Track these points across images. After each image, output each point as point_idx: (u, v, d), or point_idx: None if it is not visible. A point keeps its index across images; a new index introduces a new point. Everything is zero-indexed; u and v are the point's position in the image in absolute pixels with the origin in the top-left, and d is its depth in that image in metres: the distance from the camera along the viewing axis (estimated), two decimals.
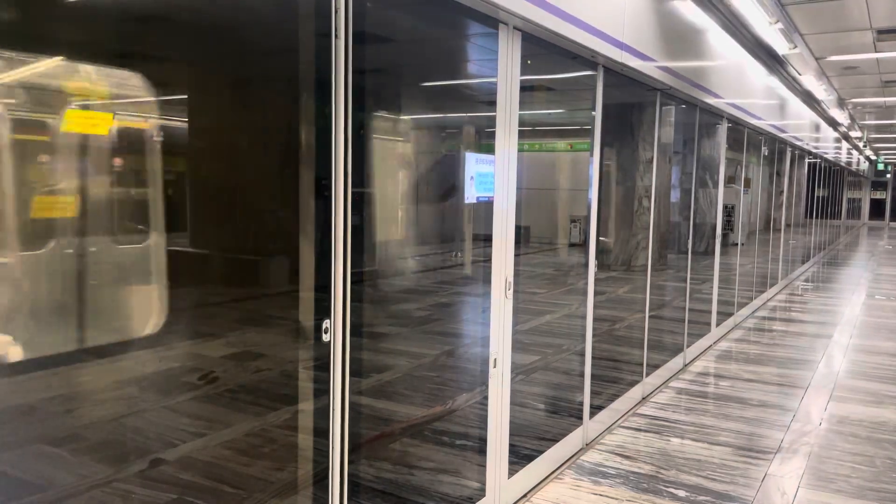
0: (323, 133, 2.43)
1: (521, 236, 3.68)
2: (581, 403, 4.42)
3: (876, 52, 8.70)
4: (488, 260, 3.39)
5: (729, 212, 9.45)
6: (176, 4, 2.32)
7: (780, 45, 7.54)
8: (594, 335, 4.50)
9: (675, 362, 6.16)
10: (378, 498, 3.12)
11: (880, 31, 7.66)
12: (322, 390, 2.53)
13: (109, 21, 2.23)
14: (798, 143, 11.85)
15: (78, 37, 2.16)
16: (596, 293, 4.47)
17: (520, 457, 3.70)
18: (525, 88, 3.46)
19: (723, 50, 6.52)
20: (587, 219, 4.48)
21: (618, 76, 4.49)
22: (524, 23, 3.21)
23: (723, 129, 7.38)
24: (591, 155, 4.42)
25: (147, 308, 2.41)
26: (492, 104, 3.33)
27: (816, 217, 16.96)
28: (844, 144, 19.69)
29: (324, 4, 2.37)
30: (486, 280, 3.40)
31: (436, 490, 3.43)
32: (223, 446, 2.87)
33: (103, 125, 2.42)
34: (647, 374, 5.46)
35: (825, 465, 4.19)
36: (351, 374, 2.56)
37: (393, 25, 3.06)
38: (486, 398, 3.41)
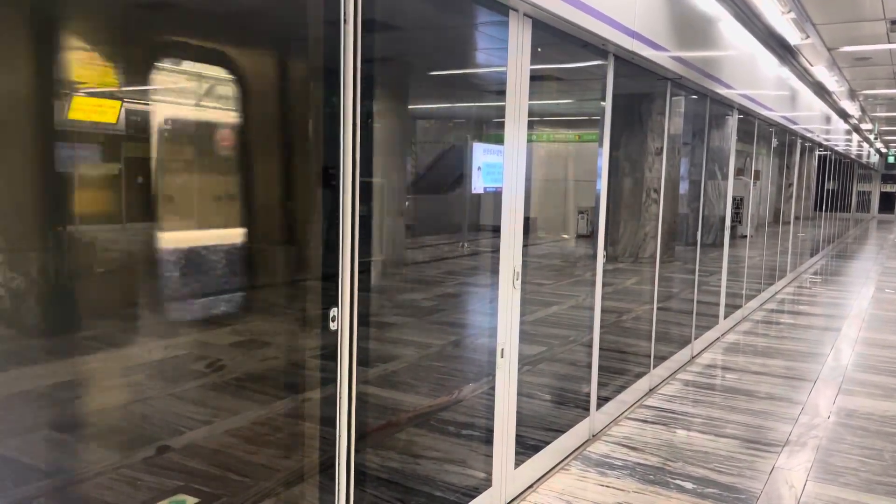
0: (331, 121, 2.41)
1: (529, 227, 3.66)
2: (588, 394, 4.40)
3: (889, 42, 8.59)
4: (496, 250, 3.36)
5: (738, 204, 9.39)
6: None
7: (793, 35, 7.46)
8: (601, 326, 4.48)
9: (683, 354, 6.13)
10: (384, 487, 3.12)
11: (893, 22, 7.57)
12: (329, 379, 2.52)
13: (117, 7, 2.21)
14: (808, 134, 11.76)
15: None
16: (603, 284, 4.45)
17: (526, 447, 3.69)
18: (535, 78, 3.42)
19: (734, 40, 6.45)
20: (595, 210, 4.44)
21: (628, 65, 4.45)
22: (535, 9, 3.18)
23: (733, 120, 7.32)
24: (601, 146, 4.38)
25: None
26: (501, 94, 3.30)
27: (825, 210, 16.85)
28: (855, 137, 19.53)
29: None
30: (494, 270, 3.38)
31: (442, 480, 3.42)
32: (229, 434, 2.87)
33: (111, 112, 2.40)
34: (655, 366, 5.44)
35: (833, 458, 4.17)
36: (358, 364, 2.55)
37: (403, 12, 3.03)
38: (492, 388, 3.40)
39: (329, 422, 2.51)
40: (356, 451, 2.57)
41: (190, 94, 2.53)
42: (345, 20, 2.35)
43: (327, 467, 2.53)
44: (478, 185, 3.61)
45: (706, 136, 6.85)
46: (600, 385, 4.50)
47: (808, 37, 7.53)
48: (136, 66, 2.36)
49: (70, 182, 2.15)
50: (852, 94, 13.10)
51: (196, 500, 2.47)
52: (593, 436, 4.38)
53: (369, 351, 2.85)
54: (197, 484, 2.56)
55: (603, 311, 4.47)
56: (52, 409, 2.26)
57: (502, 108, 3.31)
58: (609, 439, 4.35)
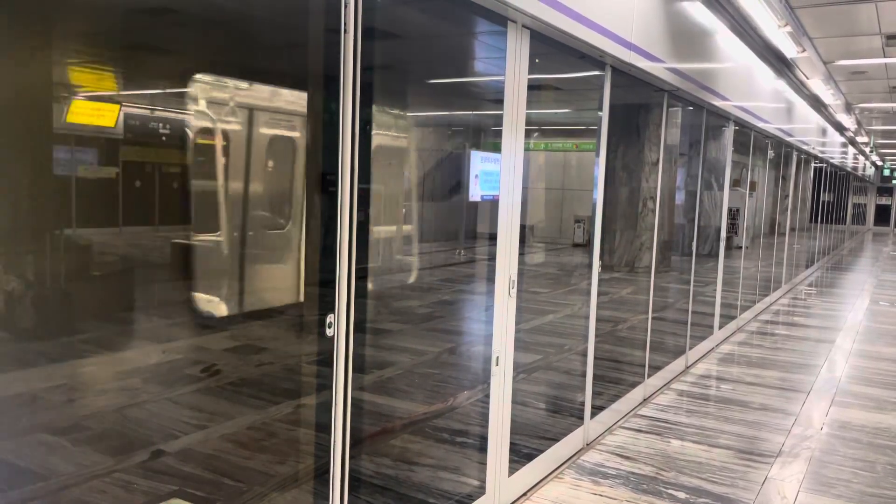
0: (329, 128, 2.43)
1: (525, 235, 3.67)
2: (582, 403, 4.42)
3: (885, 57, 8.66)
4: (492, 258, 3.38)
5: (734, 215, 9.44)
6: None
7: (789, 49, 7.52)
8: (596, 335, 4.49)
9: (677, 364, 6.15)
10: (378, 493, 3.12)
11: (889, 37, 7.63)
12: (324, 385, 2.53)
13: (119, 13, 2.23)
14: (804, 147, 11.82)
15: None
16: (599, 294, 4.47)
17: (520, 455, 3.70)
18: (533, 87, 3.45)
19: (731, 52, 6.50)
20: (592, 219, 4.47)
21: (625, 76, 4.48)
22: (533, 21, 3.21)
23: (729, 132, 7.37)
24: (597, 155, 4.41)
25: None
26: (498, 102, 3.33)
27: (821, 222, 16.91)
28: (851, 149, 19.63)
29: None
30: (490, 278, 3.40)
31: (436, 487, 3.43)
32: (224, 439, 2.87)
33: (109, 116, 2.42)
34: (649, 376, 5.46)
35: (826, 469, 4.18)
36: (353, 370, 2.56)
37: (402, 21, 3.06)
38: (487, 396, 3.41)
39: (324, 428, 2.52)
40: (351, 457, 2.58)
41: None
42: (345, 30, 2.37)
43: (322, 473, 2.54)
44: (475, 192, 3.62)
45: (703, 147, 6.89)
46: (595, 394, 4.51)
47: (804, 50, 7.59)
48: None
49: None
50: (848, 108, 13.18)
51: None
52: (587, 444, 4.39)
53: (365, 357, 2.86)
54: (191, 488, 2.57)
55: (598, 320, 4.49)
56: (46, 413, 2.27)
57: (500, 117, 3.33)
58: (603, 448, 4.36)
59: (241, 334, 2.91)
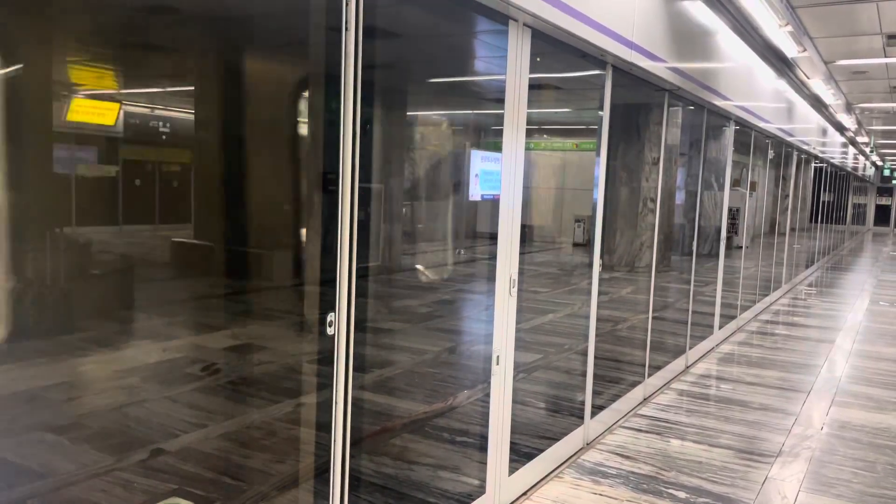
0: (330, 127, 2.43)
1: (525, 235, 3.67)
2: (582, 403, 4.41)
3: (885, 56, 8.66)
4: (493, 258, 3.38)
5: (734, 215, 9.44)
6: None
7: (790, 49, 7.51)
8: (597, 335, 4.49)
9: (678, 364, 6.15)
10: (378, 493, 3.12)
11: (890, 37, 7.63)
12: (324, 384, 2.53)
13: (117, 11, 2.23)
14: (804, 147, 11.81)
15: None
16: (599, 293, 4.46)
17: (520, 455, 3.69)
18: (534, 86, 3.44)
19: (732, 52, 6.50)
20: (592, 219, 4.46)
21: (626, 76, 4.48)
22: (535, 20, 3.20)
23: (730, 132, 7.36)
24: (598, 155, 4.40)
25: None
26: (500, 101, 3.32)
27: (821, 222, 16.91)
28: (851, 149, 19.62)
29: None
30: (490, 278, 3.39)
31: (436, 486, 3.43)
32: (224, 438, 2.87)
33: (109, 115, 2.41)
34: (649, 375, 5.46)
35: (826, 469, 4.18)
36: (354, 369, 2.56)
37: (404, 20, 3.05)
38: (487, 395, 3.41)
39: (324, 427, 2.52)
40: (351, 456, 2.57)
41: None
42: (346, 28, 2.37)
43: (322, 472, 2.54)
44: (475, 192, 3.62)
45: (703, 146, 6.89)
46: (595, 393, 4.50)
47: (805, 50, 7.58)
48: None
49: None
50: (849, 108, 13.17)
51: (190, 503, 2.48)
52: (587, 444, 4.38)
53: (365, 356, 2.86)
54: (191, 487, 2.57)
55: (598, 319, 4.48)
56: (46, 411, 2.26)
57: (501, 116, 3.33)
58: (603, 448, 4.35)
59: None
